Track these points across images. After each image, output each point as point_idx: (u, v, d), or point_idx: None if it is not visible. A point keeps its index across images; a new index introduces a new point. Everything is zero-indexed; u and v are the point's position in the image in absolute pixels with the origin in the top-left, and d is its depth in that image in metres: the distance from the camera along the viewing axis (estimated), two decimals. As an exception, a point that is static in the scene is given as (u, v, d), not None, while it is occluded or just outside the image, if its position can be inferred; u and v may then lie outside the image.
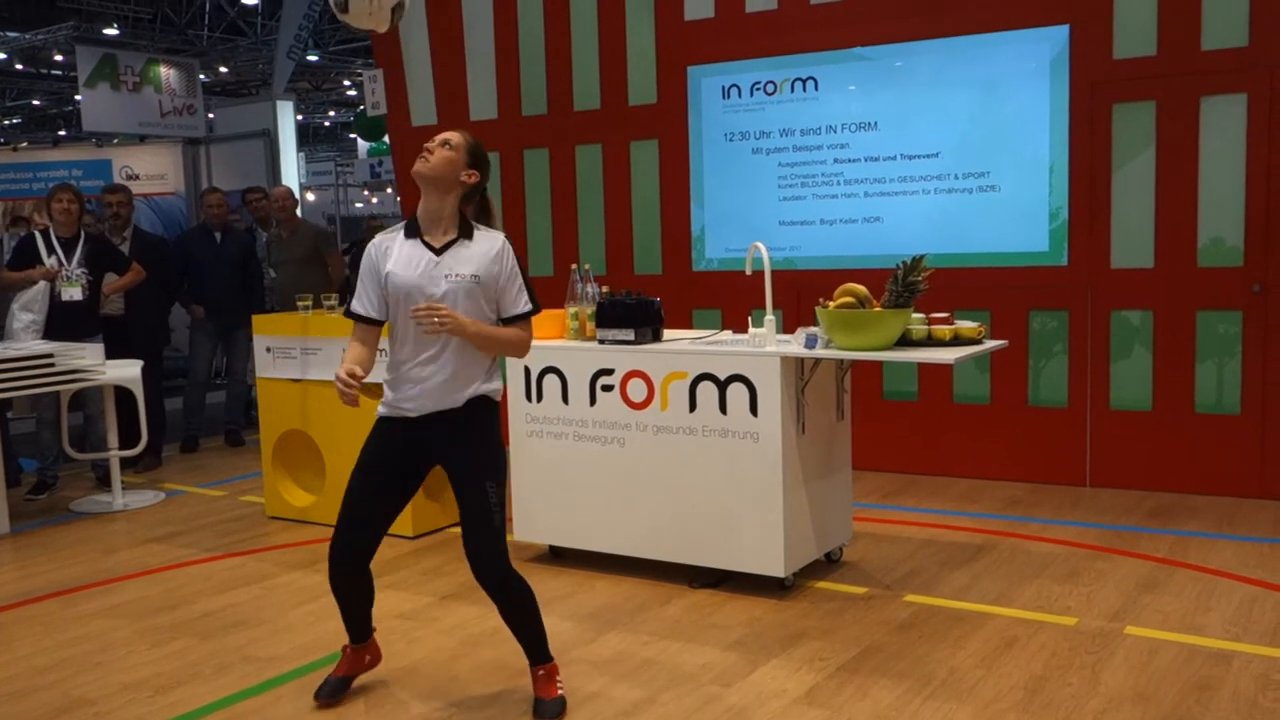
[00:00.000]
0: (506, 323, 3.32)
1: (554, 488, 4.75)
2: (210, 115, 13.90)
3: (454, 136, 3.29)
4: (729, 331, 5.00)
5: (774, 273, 4.49)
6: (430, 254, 3.25)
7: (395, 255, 3.29)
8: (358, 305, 3.34)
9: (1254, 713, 3.19)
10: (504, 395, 4.04)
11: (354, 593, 3.44)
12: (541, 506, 4.81)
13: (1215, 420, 5.66)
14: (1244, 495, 5.60)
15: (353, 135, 26.55)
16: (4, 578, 4.99)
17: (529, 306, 3.33)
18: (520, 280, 3.32)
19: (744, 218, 6.72)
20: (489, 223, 3.38)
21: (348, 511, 3.32)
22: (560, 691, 3.38)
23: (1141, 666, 3.54)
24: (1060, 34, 5.78)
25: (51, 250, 6.44)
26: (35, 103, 24.09)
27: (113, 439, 6.22)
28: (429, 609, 4.32)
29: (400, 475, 3.34)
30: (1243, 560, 4.61)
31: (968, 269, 6.08)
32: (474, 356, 3.27)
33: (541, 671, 3.39)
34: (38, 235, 6.52)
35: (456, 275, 3.22)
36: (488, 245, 3.28)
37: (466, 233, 3.29)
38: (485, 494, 3.23)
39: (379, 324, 3.35)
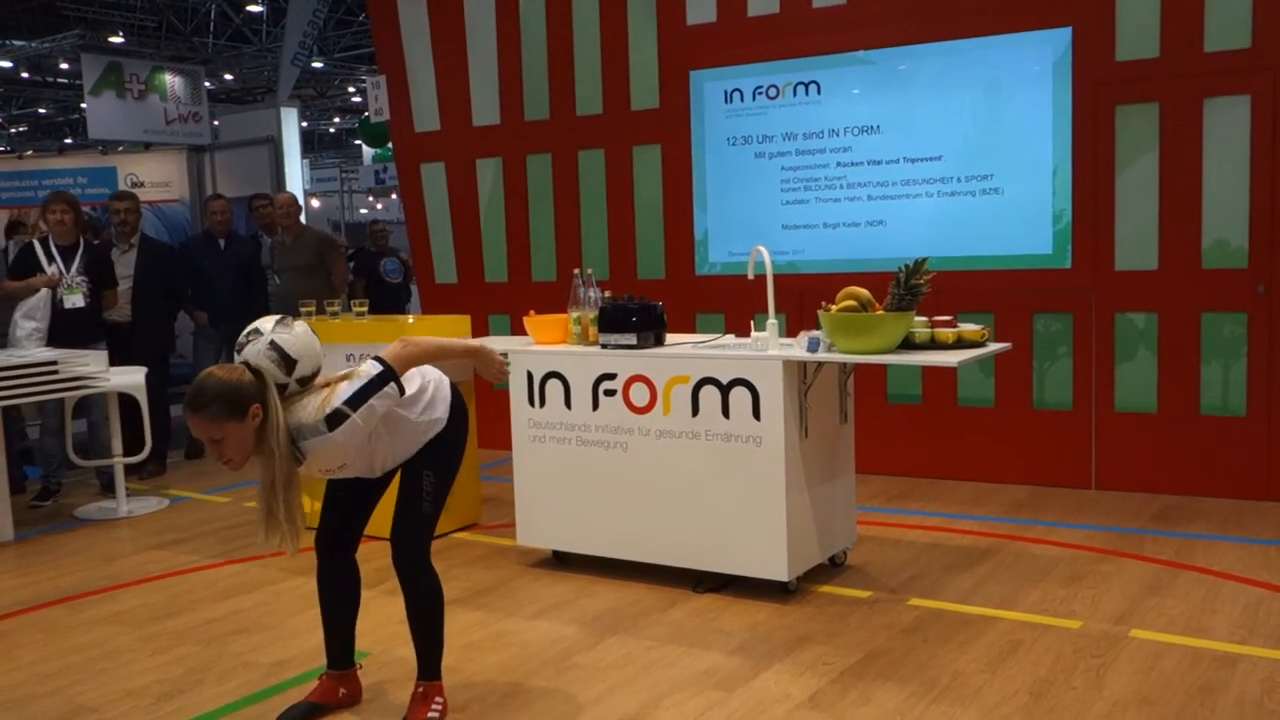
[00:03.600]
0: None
1: (557, 493, 4.75)
2: (215, 122, 13.95)
3: (217, 434, 2.88)
4: (732, 335, 4.99)
5: (777, 276, 4.48)
6: None
7: None
8: None
9: (1260, 716, 3.17)
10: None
11: (337, 594, 3.40)
12: (544, 511, 4.80)
13: (1221, 422, 5.64)
14: (1250, 497, 5.58)
15: (357, 142, 26.62)
16: (7, 584, 4.99)
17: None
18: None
19: (747, 222, 6.72)
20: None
21: (327, 496, 3.37)
22: (433, 715, 3.27)
23: (1147, 670, 3.52)
24: (1063, 36, 5.77)
25: (52, 258, 6.46)
26: (41, 111, 24.19)
27: (117, 446, 6.23)
28: (432, 614, 4.31)
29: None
30: (1248, 562, 4.59)
31: (971, 272, 6.07)
32: (396, 435, 3.18)
33: (421, 689, 3.31)
34: (37, 244, 6.55)
35: None
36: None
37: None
38: (419, 479, 3.22)
39: None
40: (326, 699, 3.44)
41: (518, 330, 6.91)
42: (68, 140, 24.86)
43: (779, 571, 4.25)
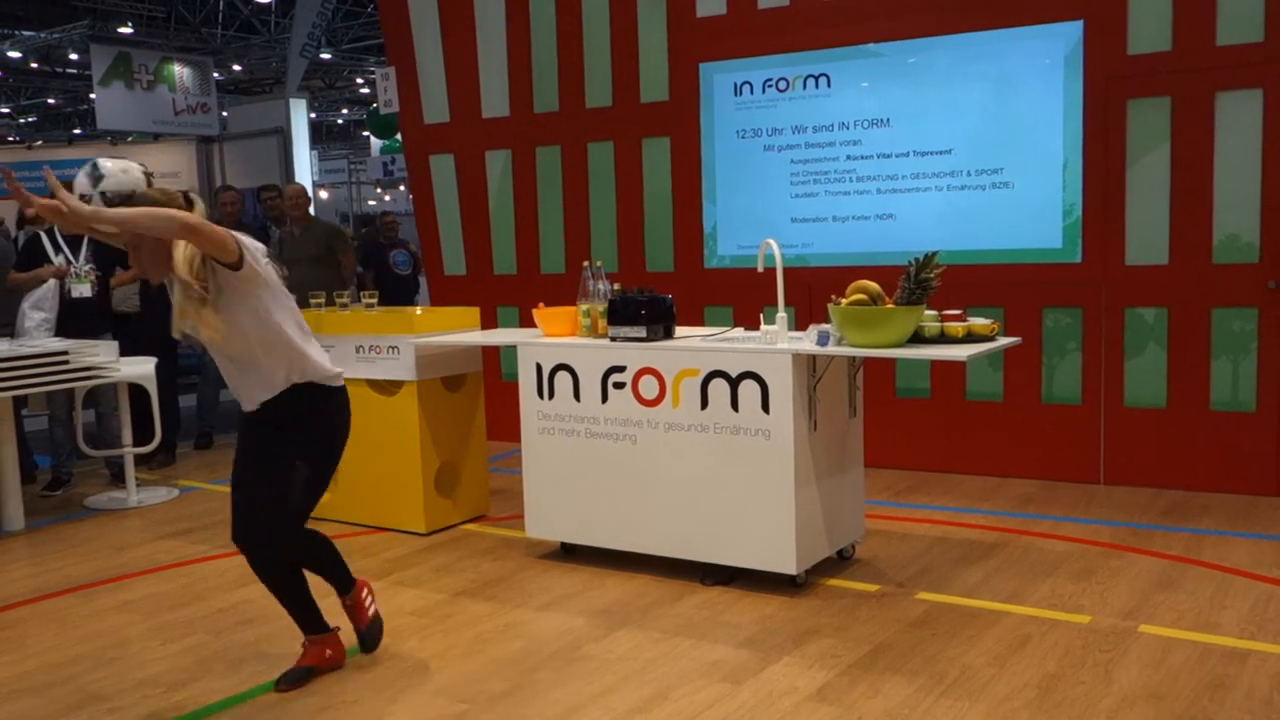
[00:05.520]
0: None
1: (566, 485, 4.76)
2: (224, 113, 13.97)
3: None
4: (741, 329, 4.99)
5: (786, 270, 4.48)
6: None
7: None
8: None
9: (1269, 712, 3.17)
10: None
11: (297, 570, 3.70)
12: (553, 504, 4.81)
13: (1230, 418, 5.63)
14: (1259, 493, 5.57)
15: (366, 133, 26.60)
16: (19, 574, 5.02)
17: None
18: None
19: (756, 215, 6.71)
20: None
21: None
22: (369, 604, 3.67)
23: (1155, 665, 3.52)
24: (1074, 29, 5.75)
25: (59, 249, 6.48)
26: (50, 101, 24.21)
27: (127, 436, 6.25)
28: (441, 606, 4.33)
29: None
30: (1258, 558, 4.58)
31: (981, 266, 6.05)
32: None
33: (349, 601, 3.66)
34: (42, 235, 6.55)
35: None
36: None
37: None
38: (290, 468, 3.44)
39: None
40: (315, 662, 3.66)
41: (527, 322, 6.92)
42: (77, 131, 24.88)
43: (787, 565, 4.25)
